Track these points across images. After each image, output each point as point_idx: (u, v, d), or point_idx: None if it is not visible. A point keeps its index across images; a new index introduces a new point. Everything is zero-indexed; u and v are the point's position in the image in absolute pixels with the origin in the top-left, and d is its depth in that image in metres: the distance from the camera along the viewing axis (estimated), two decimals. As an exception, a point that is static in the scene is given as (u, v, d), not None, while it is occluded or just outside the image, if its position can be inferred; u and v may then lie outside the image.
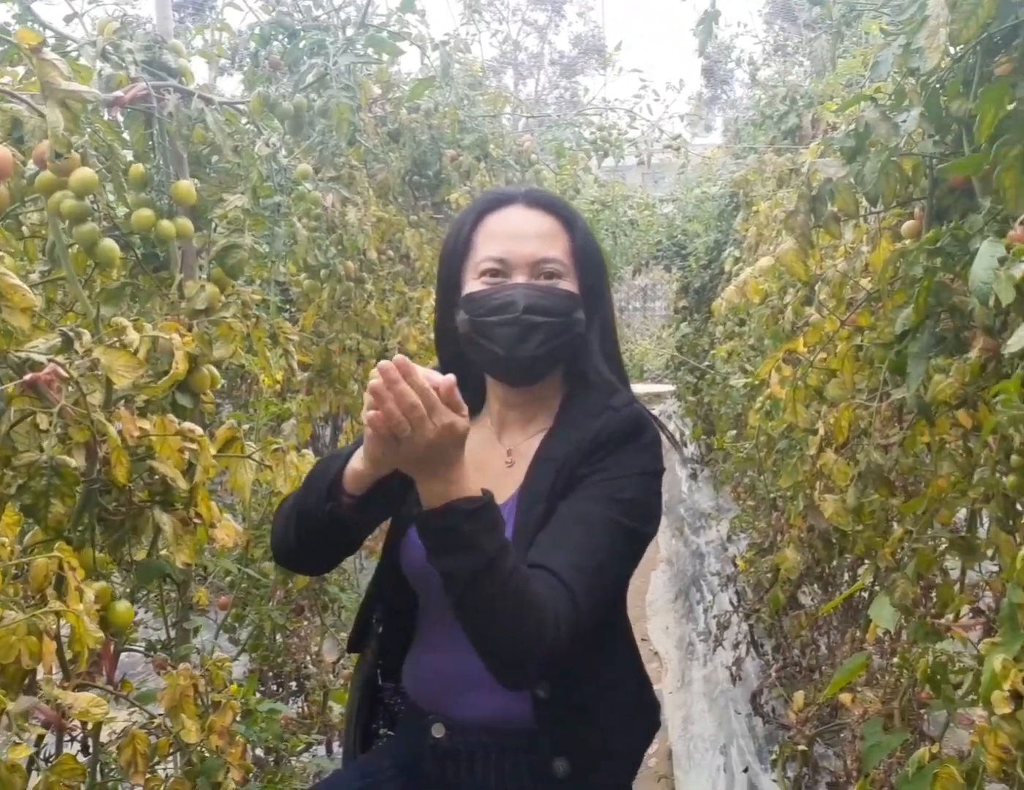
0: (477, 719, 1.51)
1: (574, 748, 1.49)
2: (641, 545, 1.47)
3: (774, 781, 3.21)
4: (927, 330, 1.64)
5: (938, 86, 1.60)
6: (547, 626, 1.25)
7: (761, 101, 4.90)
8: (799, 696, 2.97)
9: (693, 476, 7.68)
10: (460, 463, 1.21)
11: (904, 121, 1.65)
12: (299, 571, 1.60)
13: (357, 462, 1.31)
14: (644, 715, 1.65)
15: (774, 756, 3.20)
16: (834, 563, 3.14)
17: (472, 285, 1.48)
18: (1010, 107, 1.33)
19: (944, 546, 1.94)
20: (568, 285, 1.48)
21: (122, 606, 1.65)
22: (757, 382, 3.26)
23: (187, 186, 1.89)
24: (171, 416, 1.71)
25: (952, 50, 1.51)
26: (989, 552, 1.88)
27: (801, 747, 2.85)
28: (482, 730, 1.50)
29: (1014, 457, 1.45)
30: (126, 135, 1.95)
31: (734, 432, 4.59)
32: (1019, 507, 1.71)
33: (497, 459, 1.56)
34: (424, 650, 1.59)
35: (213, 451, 1.83)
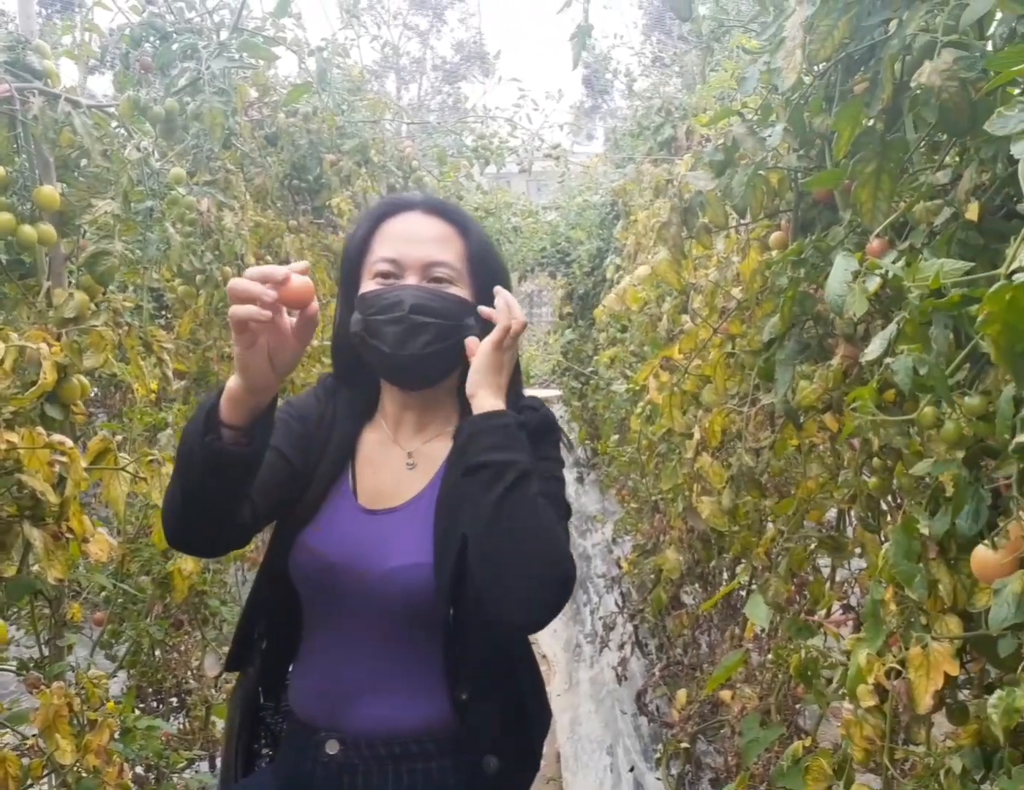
0: (374, 729, 1.47)
1: (496, 747, 1.51)
2: (567, 513, 1.54)
3: (658, 779, 3.28)
4: (793, 338, 1.70)
5: (802, 102, 1.66)
6: (566, 559, 1.34)
7: (638, 112, 5.00)
8: (681, 694, 3.04)
9: (580, 479, 7.78)
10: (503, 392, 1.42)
11: (770, 135, 1.70)
12: (189, 546, 1.47)
13: (231, 382, 1.25)
14: (542, 719, 1.67)
15: (658, 754, 3.27)
16: (713, 563, 3.22)
17: (366, 285, 1.50)
18: (868, 123, 1.40)
19: (814, 545, 2.01)
20: (460, 290, 1.51)
21: (-10, 625, 1.59)
22: (637, 388, 3.32)
23: (50, 191, 1.83)
24: (40, 428, 1.65)
25: (814, 68, 1.58)
26: (857, 550, 1.96)
27: (684, 745, 2.92)
28: (381, 741, 1.47)
29: (875, 460, 1.52)
30: (-13, 138, 1.88)
31: (617, 436, 4.67)
32: (883, 506, 1.79)
33: (397, 460, 1.56)
34: (312, 662, 1.55)
35: (85, 463, 1.77)
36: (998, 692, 0.79)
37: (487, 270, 1.55)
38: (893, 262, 1.13)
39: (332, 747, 1.48)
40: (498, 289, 1.47)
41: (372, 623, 1.48)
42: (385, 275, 1.49)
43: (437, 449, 1.56)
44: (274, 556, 1.55)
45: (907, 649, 1.22)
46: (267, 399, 1.27)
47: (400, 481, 1.54)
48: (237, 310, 1.17)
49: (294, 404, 1.59)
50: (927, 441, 1.15)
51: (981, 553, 1.01)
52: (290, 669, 1.62)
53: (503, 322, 1.43)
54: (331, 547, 1.48)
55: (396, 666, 1.48)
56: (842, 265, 1.09)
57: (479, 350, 1.43)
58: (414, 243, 1.50)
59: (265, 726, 1.65)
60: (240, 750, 1.62)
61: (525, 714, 1.60)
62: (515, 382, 1.59)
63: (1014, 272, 0.87)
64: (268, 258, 3.44)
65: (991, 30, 1.29)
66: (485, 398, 1.39)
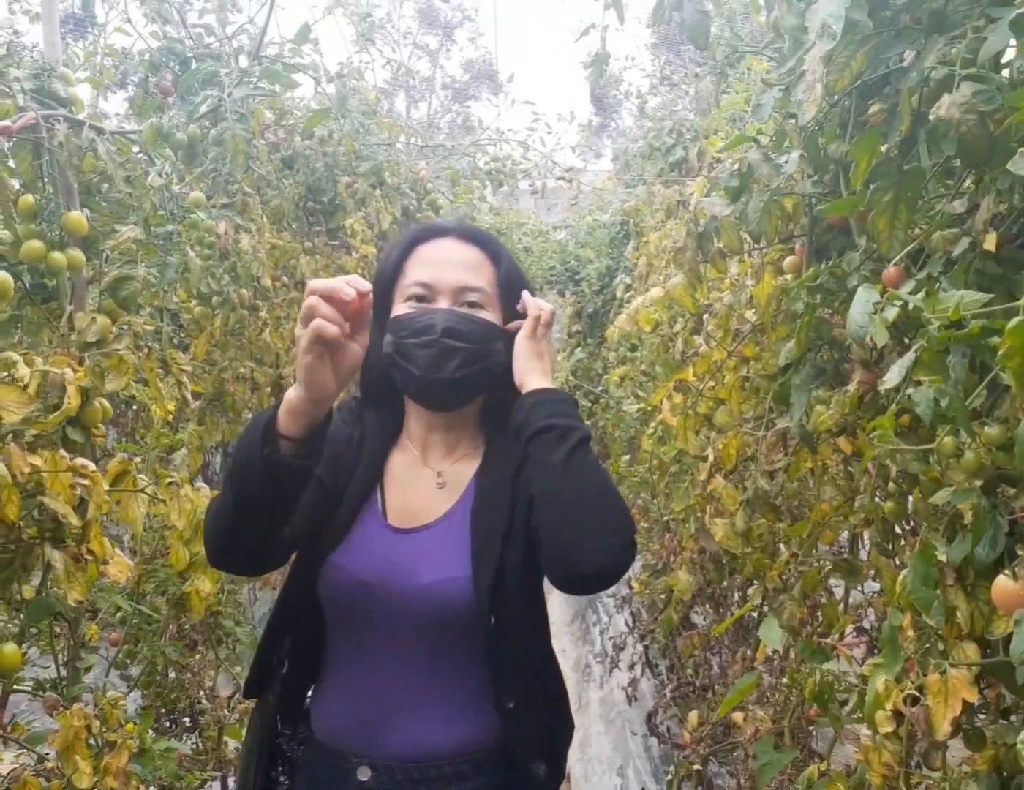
0: (411, 753, 1.46)
1: (543, 754, 1.52)
2: None
3: (670, 800, 3.27)
4: (808, 362, 1.72)
5: (816, 128, 1.68)
6: (629, 519, 1.40)
7: (649, 133, 5.03)
8: (693, 716, 3.04)
9: (588, 499, 7.76)
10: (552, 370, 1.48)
11: (785, 162, 1.72)
12: (234, 563, 1.49)
13: (291, 393, 1.28)
14: (569, 721, 1.67)
15: (669, 776, 3.26)
16: (725, 584, 3.22)
17: (399, 309, 1.54)
18: (885, 150, 1.42)
19: (828, 568, 2.01)
20: (490, 315, 1.54)
21: (9, 649, 1.60)
22: (650, 408, 3.33)
23: (78, 217, 1.85)
24: (62, 452, 1.67)
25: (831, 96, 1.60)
26: (871, 573, 1.96)
27: (696, 766, 2.91)
28: (416, 765, 1.46)
29: (891, 485, 1.53)
30: (11, 164, 1.90)
31: (627, 456, 4.68)
32: (898, 531, 1.79)
33: (426, 481, 1.58)
34: (339, 686, 1.54)
35: (105, 486, 1.79)
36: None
37: (516, 296, 1.58)
38: (911, 291, 1.14)
39: (364, 773, 1.46)
40: (524, 292, 1.56)
41: (406, 642, 1.48)
42: (418, 298, 1.53)
43: (465, 469, 1.59)
44: (300, 577, 1.55)
45: (925, 675, 1.22)
46: (325, 410, 1.30)
47: (430, 500, 1.55)
48: (322, 326, 1.22)
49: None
50: (946, 469, 1.16)
51: (1002, 583, 1.02)
52: (309, 694, 1.61)
53: (533, 312, 1.51)
54: (362, 566, 1.48)
55: (433, 685, 1.49)
56: (863, 296, 1.10)
57: (516, 345, 1.50)
58: (447, 268, 1.54)
59: (283, 754, 1.61)
60: (258, 779, 1.59)
61: (557, 721, 1.62)
62: None
63: (1033, 305, 0.88)
64: (284, 279, 3.47)
65: (1007, 60, 1.31)
66: (535, 381, 1.45)
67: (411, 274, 1.55)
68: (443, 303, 1.51)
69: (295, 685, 1.60)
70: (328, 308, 1.23)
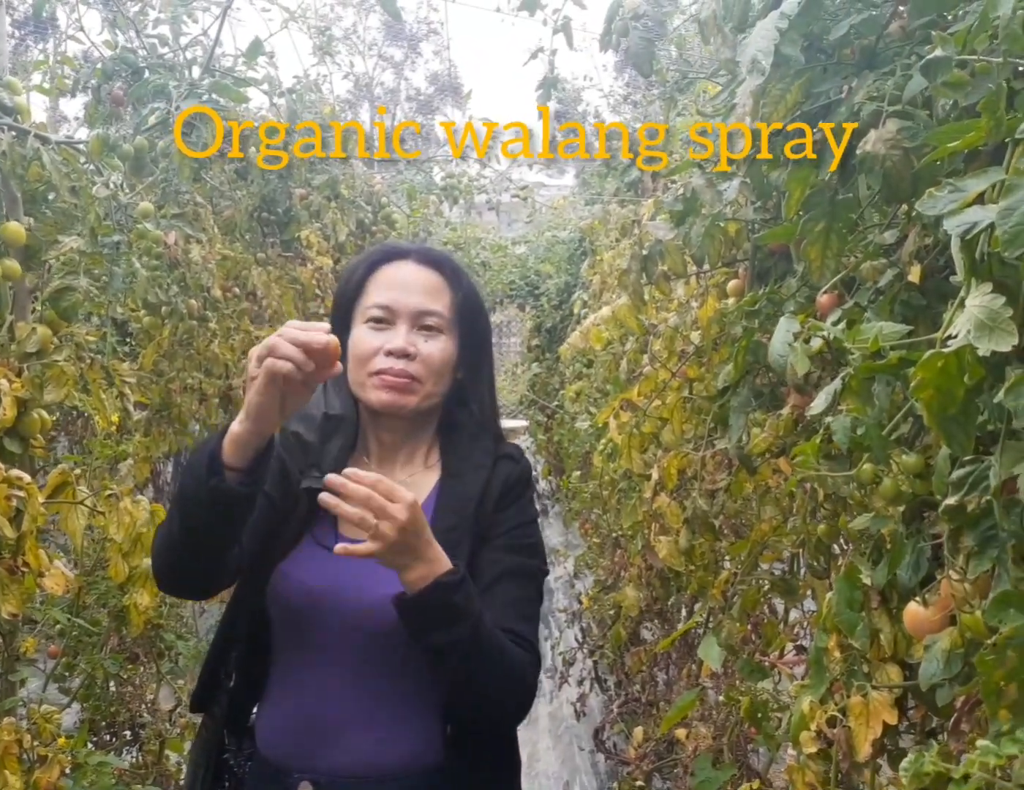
0: (353, 767, 1.46)
1: (484, 781, 1.52)
2: (543, 582, 1.64)
3: (614, 817, 3.28)
4: (746, 385, 1.74)
5: (754, 157, 1.71)
6: (528, 676, 1.46)
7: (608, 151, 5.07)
8: (638, 732, 3.06)
9: (544, 512, 7.78)
10: (432, 540, 1.34)
11: (727, 188, 1.75)
12: (183, 588, 1.53)
13: (236, 426, 1.30)
14: (515, 763, 1.67)
15: (614, 792, 3.27)
16: (672, 600, 3.25)
17: (359, 330, 1.58)
18: (822, 179, 1.45)
19: (767, 587, 2.04)
20: (446, 338, 1.59)
21: (-60, 664, 1.58)
22: (600, 425, 3.36)
23: (16, 227, 1.84)
24: (-3, 463, 1.65)
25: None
26: (808, 592, 1.99)
27: (639, 783, 2.92)
28: (359, 780, 1.46)
29: (822, 508, 1.56)
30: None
31: (580, 472, 4.70)
32: (836, 551, 1.82)
33: None
34: (285, 699, 1.53)
35: (43, 497, 1.77)
36: (908, 757, 0.82)
37: (473, 318, 1.64)
38: (836, 321, 1.17)
39: (305, 788, 1.45)
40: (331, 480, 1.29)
41: (350, 656, 1.48)
42: (377, 320, 1.56)
43: (424, 480, 1.61)
44: (249, 587, 1.55)
45: (849, 697, 1.25)
46: (268, 438, 1.33)
47: None
48: (277, 365, 1.24)
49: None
50: (867, 495, 1.18)
51: (913, 609, 1.05)
52: (255, 710, 1.60)
53: (368, 543, 1.29)
54: (310, 576, 1.48)
55: (380, 699, 1.48)
56: (784, 326, 1.13)
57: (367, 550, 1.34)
58: (407, 291, 1.58)
59: (229, 769, 1.60)
60: None
61: (507, 750, 1.62)
62: (493, 424, 1.68)
63: (949, 338, 0.90)
64: (236, 290, 3.45)
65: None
66: (404, 577, 1.34)
67: (372, 296, 1.59)
68: (402, 326, 1.55)
69: (242, 699, 1.59)
70: (292, 348, 1.24)
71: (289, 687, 1.53)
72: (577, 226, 5.71)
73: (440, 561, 1.35)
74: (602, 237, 4.15)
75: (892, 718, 1.19)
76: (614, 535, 3.77)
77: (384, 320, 1.56)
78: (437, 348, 1.57)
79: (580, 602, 4.41)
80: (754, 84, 1.21)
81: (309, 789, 1.45)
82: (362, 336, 1.56)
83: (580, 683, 4.28)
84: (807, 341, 1.13)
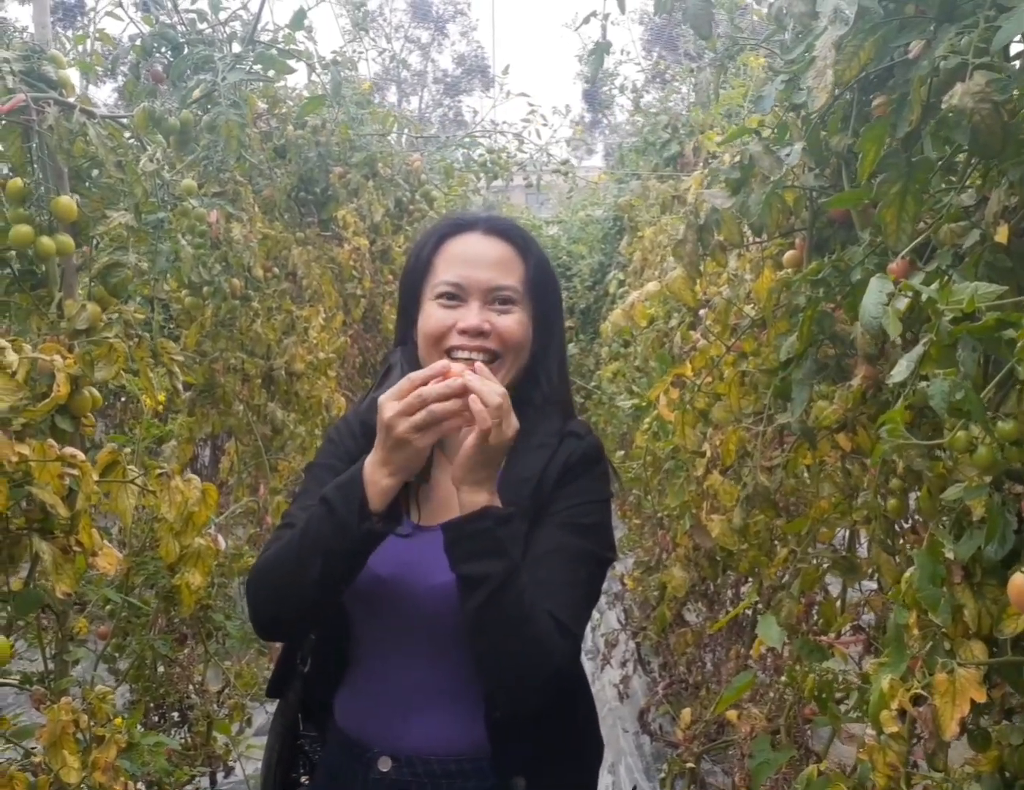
0: (427, 746, 1.47)
1: (529, 769, 1.48)
2: (606, 570, 1.56)
3: (662, 798, 3.25)
4: (810, 357, 1.69)
5: (819, 121, 1.66)
6: (556, 656, 1.36)
7: (644, 128, 5.01)
8: (686, 713, 3.02)
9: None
10: (496, 477, 1.38)
11: (787, 155, 1.70)
12: (292, 633, 1.57)
13: (378, 476, 1.34)
14: (592, 748, 1.65)
15: (662, 774, 3.24)
16: (719, 581, 3.21)
17: (428, 307, 1.54)
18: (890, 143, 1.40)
19: (826, 565, 1.99)
20: (520, 311, 1.54)
21: (-1, 641, 1.57)
22: (645, 404, 3.31)
23: (67, 202, 1.81)
24: (51, 441, 1.63)
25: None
26: (869, 571, 1.94)
27: (689, 764, 2.89)
28: (433, 758, 1.46)
29: (894, 481, 1.51)
30: (0, 147, 1.87)
31: (621, 452, 4.66)
32: (898, 529, 1.77)
33: (448, 477, 1.54)
34: (363, 680, 1.54)
35: (94, 476, 1.76)
36: None
37: (545, 292, 1.60)
38: (921, 284, 1.12)
39: (384, 764, 1.47)
40: (474, 398, 1.32)
41: (422, 639, 1.48)
42: (449, 296, 1.52)
43: None
44: None
45: (931, 674, 1.20)
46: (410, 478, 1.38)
47: (454, 497, 1.50)
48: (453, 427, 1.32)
49: (337, 449, 1.61)
50: (956, 465, 1.14)
51: (1019, 580, 1.00)
52: (334, 694, 1.59)
53: (482, 425, 1.32)
54: (380, 562, 1.45)
55: (443, 683, 1.48)
56: (876, 287, 1.08)
57: (462, 449, 1.37)
58: (477, 266, 1.53)
59: (304, 754, 1.63)
60: (278, 779, 1.61)
61: (569, 740, 1.57)
62: (563, 400, 1.64)
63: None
64: (275, 270, 3.43)
65: (1017, 52, 1.29)
66: (465, 494, 1.36)
67: (440, 272, 1.55)
68: (474, 303, 1.51)
69: (317, 685, 1.59)
70: (456, 403, 1.30)
71: (365, 670, 1.54)
72: (613, 204, 5.64)
73: (496, 496, 1.37)
74: (642, 213, 4.09)
75: (980, 696, 1.15)
76: (658, 515, 3.73)
77: (456, 296, 1.52)
78: (514, 320, 1.53)
79: (622, 584, 4.38)
80: (836, 35, 1.16)
81: (389, 764, 1.47)
82: (433, 312, 1.52)
83: (623, 665, 4.26)
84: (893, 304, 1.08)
